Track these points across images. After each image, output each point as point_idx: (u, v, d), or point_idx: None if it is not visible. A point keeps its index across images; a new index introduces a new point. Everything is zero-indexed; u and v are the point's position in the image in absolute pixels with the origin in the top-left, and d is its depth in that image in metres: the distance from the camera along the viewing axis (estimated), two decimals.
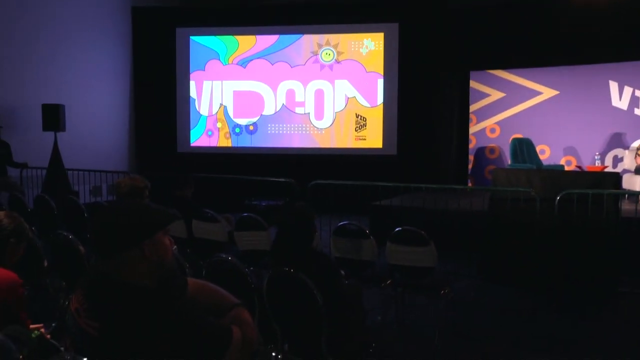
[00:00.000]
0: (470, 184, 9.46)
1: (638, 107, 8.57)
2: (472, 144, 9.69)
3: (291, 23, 9.84)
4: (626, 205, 5.89)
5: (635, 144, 7.89)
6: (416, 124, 9.32)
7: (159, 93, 10.06)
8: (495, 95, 9.51)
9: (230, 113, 10.18)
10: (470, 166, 9.67)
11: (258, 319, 2.64)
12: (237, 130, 10.17)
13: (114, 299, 1.50)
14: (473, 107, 9.66)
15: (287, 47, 9.96)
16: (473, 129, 9.68)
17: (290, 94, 10.01)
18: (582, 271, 4.86)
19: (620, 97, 8.68)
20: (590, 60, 8.64)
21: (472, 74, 9.65)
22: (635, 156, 7.48)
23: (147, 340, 1.44)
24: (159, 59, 10.03)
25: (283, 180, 6.56)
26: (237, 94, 10.15)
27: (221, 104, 10.18)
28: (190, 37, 10.19)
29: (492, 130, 9.54)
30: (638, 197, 6.87)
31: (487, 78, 9.57)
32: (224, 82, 10.15)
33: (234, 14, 9.84)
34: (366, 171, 7.74)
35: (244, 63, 10.09)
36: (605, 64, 8.65)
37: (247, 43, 10.07)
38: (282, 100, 10.02)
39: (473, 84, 9.67)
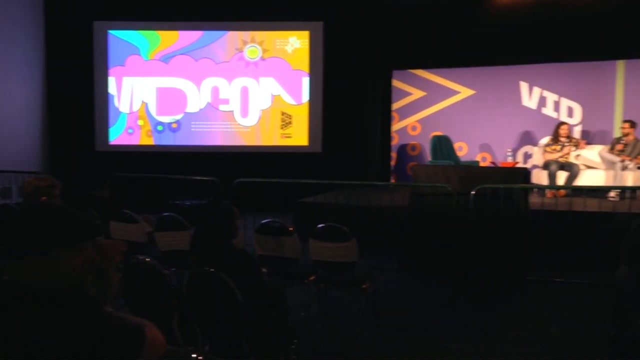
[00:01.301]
0: (392, 180, 9.74)
1: (546, 107, 9.14)
2: (395, 142, 9.97)
3: (215, 19, 9.70)
4: (534, 199, 6.28)
5: (543, 141, 8.40)
6: (341, 122, 9.46)
7: (75, 89, 9.60)
8: (417, 94, 9.83)
9: (152, 110, 9.89)
10: (393, 163, 9.94)
11: (178, 321, 2.60)
12: (160, 128, 9.90)
13: (18, 305, 1.43)
14: (395, 106, 9.94)
15: (211, 43, 9.81)
16: (395, 126, 9.96)
17: (215, 91, 9.87)
18: (495, 261, 5.13)
19: (530, 97, 9.22)
20: (503, 61, 9.12)
21: (395, 73, 9.92)
22: (544, 152, 7.98)
23: (49, 349, 1.39)
24: (75, 53, 9.57)
25: (207, 178, 6.47)
26: (159, 91, 9.88)
27: (142, 101, 9.87)
28: (109, 31, 9.80)
29: (414, 128, 9.86)
30: (545, 191, 7.38)
31: (409, 77, 9.87)
32: (145, 78, 9.85)
33: (156, 8, 9.57)
34: (292, 169, 7.76)
35: (166, 59, 9.84)
36: (517, 66, 9.16)
37: (170, 38, 9.83)
38: (206, 97, 9.86)
39: (395, 82, 9.94)
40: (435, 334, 4.01)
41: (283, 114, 9.84)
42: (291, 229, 4.00)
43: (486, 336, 3.95)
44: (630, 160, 7.42)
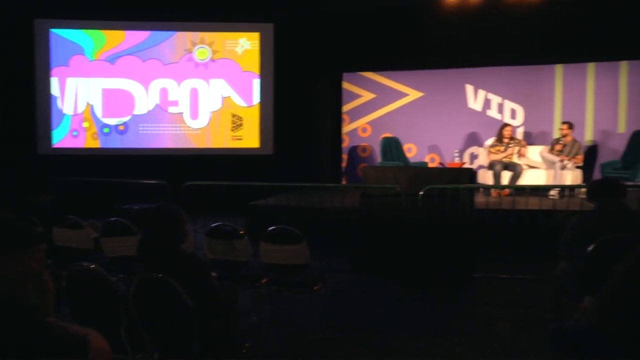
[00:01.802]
0: (343, 182, 9.82)
1: (490, 109, 9.44)
2: (346, 143, 10.06)
3: (163, 19, 9.52)
4: (480, 198, 6.47)
5: (488, 142, 8.68)
6: (292, 124, 9.47)
7: (15, 90, 9.21)
8: (367, 96, 9.95)
9: (98, 112, 9.62)
10: (344, 164, 10.03)
11: (126, 328, 2.54)
12: (106, 130, 9.63)
13: None
14: (346, 108, 10.04)
15: (159, 43, 9.63)
16: (346, 128, 10.05)
17: (164, 92, 9.69)
18: (443, 260, 5.26)
19: (475, 100, 9.50)
20: (450, 65, 9.36)
21: (345, 75, 10.01)
22: (488, 153, 8.24)
23: None
24: (15, 52, 9.18)
25: (155, 182, 6.35)
26: (105, 92, 9.61)
27: (87, 103, 9.58)
28: (51, 29, 9.46)
29: (364, 130, 9.98)
30: (490, 190, 7.63)
31: (358, 80, 9.99)
32: (90, 79, 9.56)
33: (101, 7, 9.30)
34: (243, 171, 7.74)
35: (112, 59, 9.58)
36: (463, 69, 9.42)
37: (116, 38, 9.58)
38: (154, 99, 9.66)
39: (346, 85, 10.04)
40: (386, 333, 4.07)
41: (234, 115, 9.76)
42: (242, 232, 3.98)
43: (435, 333, 4.04)
44: (569, 160, 7.77)
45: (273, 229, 3.92)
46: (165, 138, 9.68)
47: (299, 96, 9.52)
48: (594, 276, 2.73)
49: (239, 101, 9.76)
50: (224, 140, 9.77)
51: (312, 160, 9.57)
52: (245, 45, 9.73)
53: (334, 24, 9.30)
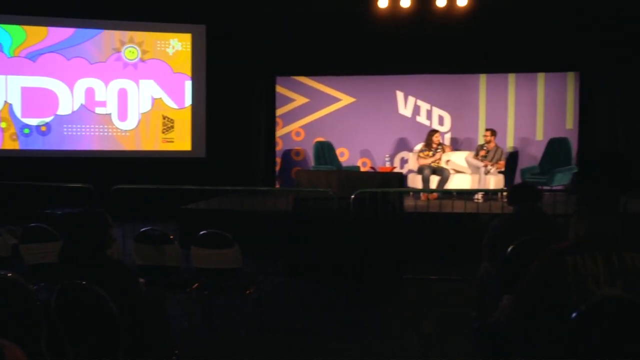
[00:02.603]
0: (277, 185, 9.83)
1: (419, 115, 9.75)
2: (279, 147, 10.07)
3: (90, 16, 9.16)
4: (410, 202, 6.67)
5: (417, 147, 8.96)
6: (225, 127, 9.37)
7: None
8: (300, 100, 10.01)
9: (18, 112, 9.11)
10: (277, 168, 10.03)
11: (46, 339, 2.43)
12: (26, 131, 9.14)
13: None
14: (279, 111, 10.05)
15: (85, 42, 9.26)
16: (280, 132, 10.06)
17: (90, 92, 9.32)
18: (374, 262, 5.38)
19: (405, 106, 9.79)
20: (381, 71, 9.59)
21: (278, 79, 10.02)
22: (417, 158, 8.51)
23: None
24: None
25: (80, 185, 6.10)
26: (25, 91, 9.12)
27: (5, 102, 9.05)
28: None
29: (298, 134, 10.03)
30: (419, 194, 7.88)
31: (292, 84, 10.03)
32: (8, 76, 9.04)
33: (21, 1, 8.83)
34: (174, 174, 7.55)
35: (33, 56, 9.11)
36: (393, 76, 9.68)
37: (37, 35, 9.12)
38: (80, 99, 9.28)
39: (279, 88, 10.05)
40: (319, 335, 4.12)
41: (164, 117, 9.54)
42: (172, 236, 3.90)
43: (367, 334, 4.13)
44: (492, 165, 8.16)
45: (204, 233, 3.87)
46: (91, 140, 9.31)
47: (232, 99, 9.44)
48: (512, 276, 2.88)
49: (170, 103, 9.54)
50: (154, 142, 9.52)
51: (245, 164, 9.51)
52: (176, 46, 9.54)
53: (267, 27, 9.30)
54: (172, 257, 3.89)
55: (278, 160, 10.06)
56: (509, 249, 3.28)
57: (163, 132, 9.52)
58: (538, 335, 2.42)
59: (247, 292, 3.92)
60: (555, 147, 8.98)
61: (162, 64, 9.50)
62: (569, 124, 9.42)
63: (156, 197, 6.11)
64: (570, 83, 9.42)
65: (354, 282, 5.26)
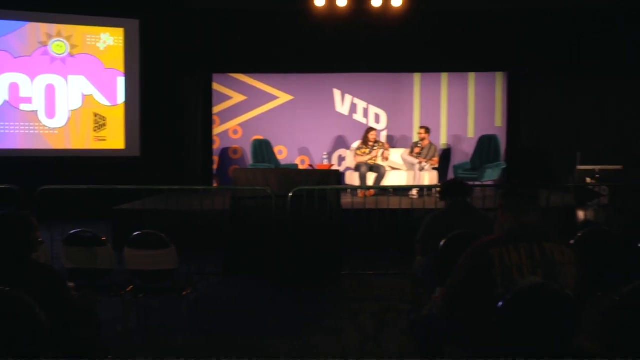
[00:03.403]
0: (215, 184, 9.70)
1: (356, 113, 9.89)
2: (217, 145, 9.94)
3: (13, 7, 8.69)
4: (348, 199, 6.76)
5: (354, 145, 9.09)
6: (160, 125, 9.16)
7: None
8: (237, 98, 9.91)
9: None
10: (215, 166, 9.90)
11: None
12: None
13: None
14: (216, 109, 9.91)
15: (7, 34, 8.77)
16: (217, 130, 9.93)
17: (14, 88, 8.85)
18: (312, 259, 5.42)
19: (342, 104, 9.90)
20: (318, 69, 9.65)
21: (215, 76, 9.88)
22: (355, 155, 8.63)
23: None
24: None
25: (3, 186, 5.78)
26: None
27: None
28: None
29: (235, 132, 9.93)
30: (357, 191, 8.00)
31: (229, 81, 9.91)
32: None
33: None
34: (108, 174, 7.30)
35: None
36: (330, 74, 9.76)
37: None
38: (3, 95, 8.78)
39: (216, 86, 9.92)
40: (257, 334, 4.11)
41: (96, 115, 9.19)
42: (104, 238, 3.78)
43: (305, 331, 4.16)
44: (426, 162, 8.40)
45: (138, 234, 3.77)
46: (16, 138, 8.84)
47: (168, 96, 9.23)
48: (445, 269, 2.98)
49: (101, 100, 9.21)
50: (85, 141, 9.16)
51: (182, 162, 9.33)
52: (108, 41, 9.21)
53: (203, 23, 9.16)
54: (104, 260, 3.77)
55: (215, 158, 9.93)
56: (441, 243, 3.40)
57: (94, 130, 9.18)
58: (468, 326, 2.52)
59: (184, 293, 3.86)
60: (485, 144, 9.37)
61: (93, 59, 9.15)
62: (498, 122, 9.84)
63: (87, 197, 5.88)
64: (498, 82, 9.85)
65: (292, 279, 5.28)
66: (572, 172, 7.30)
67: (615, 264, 3.46)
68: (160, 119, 9.15)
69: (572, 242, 3.49)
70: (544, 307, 2.25)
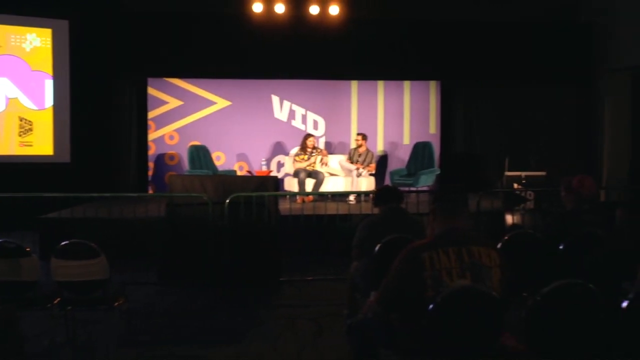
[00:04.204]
0: (150, 191, 9.44)
1: (295, 120, 9.92)
2: (152, 151, 9.68)
3: None
4: (286, 205, 6.76)
5: (293, 151, 9.12)
6: (91, 130, 8.83)
7: None
8: (174, 103, 9.71)
9: None
10: (150, 173, 9.64)
11: None
12: None
13: None
14: (152, 114, 9.66)
15: None
16: (152, 135, 9.68)
17: None
18: (251, 266, 5.39)
19: (281, 110, 9.90)
20: (257, 75, 9.60)
21: (150, 80, 9.64)
22: (293, 161, 8.65)
23: None
24: None
25: None
26: None
27: None
28: None
29: (171, 137, 9.72)
30: (295, 197, 8.02)
31: (165, 85, 9.69)
32: None
33: None
34: (35, 181, 6.94)
35: None
36: (269, 80, 9.74)
37: None
38: None
39: (151, 90, 9.67)
40: (195, 344, 4.04)
41: (22, 119, 8.74)
42: (28, 249, 3.60)
43: (243, 339, 4.13)
44: (364, 168, 8.54)
45: (66, 243, 3.62)
46: None
47: (100, 100, 8.91)
48: (380, 273, 3.05)
49: (27, 103, 8.77)
50: (9, 146, 8.68)
51: (115, 169, 9.02)
52: (34, 41, 8.79)
53: (137, 26, 8.90)
54: (29, 271, 3.59)
55: (151, 165, 9.67)
56: (376, 248, 3.47)
57: (20, 135, 8.72)
58: (402, 329, 2.59)
59: (116, 304, 3.74)
60: (420, 151, 9.64)
61: (18, 60, 8.70)
62: (432, 129, 10.15)
63: (11, 206, 5.58)
64: (432, 91, 10.16)
65: (230, 287, 5.23)
66: (500, 178, 7.62)
67: (539, 266, 3.64)
68: (91, 124, 8.81)
69: (499, 245, 3.65)
70: (472, 309, 2.35)
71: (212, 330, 4.34)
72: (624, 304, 2.44)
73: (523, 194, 6.92)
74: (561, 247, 3.57)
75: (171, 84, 9.69)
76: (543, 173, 7.50)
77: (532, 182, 7.10)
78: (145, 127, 9.59)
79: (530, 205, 6.86)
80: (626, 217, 2.77)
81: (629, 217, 2.76)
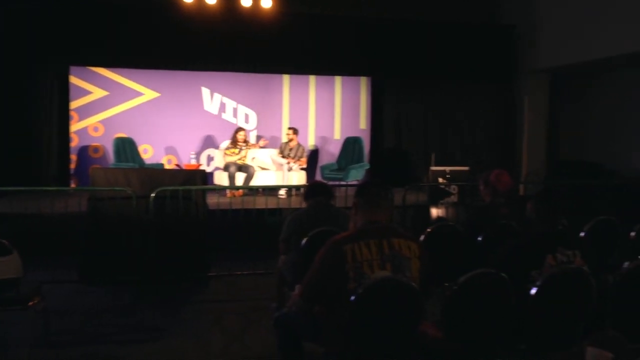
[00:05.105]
0: (73, 185, 9.03)
1: (225, 112, 9.78)
2: (75, 143, 9.24)
3: None
4: (215, 199, 6.66)
5: (223, 145, 8.99)
6: (8, 120, 8.32)
7: None
8: (98, 93, 9.31)
9: None
10: (73, 166, 9.20)
11: None
12: None
13: None
14: (74, 104, 9.22)
15: None
16: (75, 127, 9.23)
17: None
18: (178, 261, 5.28)
19: (211, 102, 9.73)
20: (186, 66, 9.36)
21: (73, 69, 9.18)
22: (224, 155, 8.53)
23: None
24: None
25: None
26: None
27: None
28: None
29: (96, 129, 9.32)
30: (227, 191, 7.93)
31: (89, 75, 9.27)
32: None
33: None
34: None
35: None
36: (199, 72, 9.54)
37: None
38: None
39: (74, 79, 9.22)
40: (116, 343, 3.93)
41: None
42: None
43: (168, 336, 4.05)
44: (295, 162, 8.56)
45: None
46: None
47: (16, 88, 8.40)
48: (305, 266, 3.07)
49: None
50: None
51: (34, 161, 8.53)
52: None
53: (59, 11, 8.43)
54: None
55: (73, 157, 9.23)
56: (303, 242, 3.49)
57: None
58: (326, 321, 2.62)
59: (30, 303, 3.55)
60: (351, 146, 9.78)
61: None
62: (363, 125, 10.31)
63: None
64: (363, 87, 10.32)
65: (156, 284, 5.10)
66: (426, 173, 7.87)
67: (460, 257, 3.80)
68: (7, 114, 8.30)
69: (423, 237, 3.78)
70: (392, 299, 2.41)
71: (135, 328, 4.23)
72: (533, 291, 2.60)
73: (447, 188, 7.19)
74: (480, 238, 3.74)
75: (95, 73, 9.29)
76: (466, 168, 7.81)
77: (456, 177, 7.38)
78: (67, 118, 9.14)
79: (454, 199, 7.14)
80: (535, 209, 2.93)
81: (537, 209, 2.92)
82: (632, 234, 4.02)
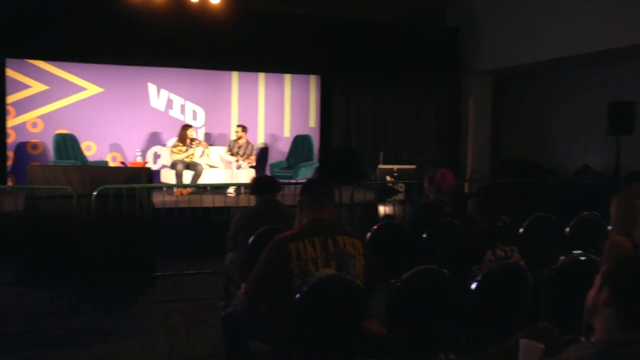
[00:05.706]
0: (10, 183, 8.62)
1: (172, 109, 9.58)
2: (11, 139, 8.82)
3: None
4: (162, 197, 6.53)
5: (170, 142, 8.80)
6: None
7: None
8: (37, 87, 8.93)
9: None
10: (9, 163, 8.79)
11: None
12: None
13: None
14: (11, 99, 8.80)
15: None
16: (12, 122, 8.82)
17: None
18: (122, 261, 5.14)
19: (158, 99, 9.51)
20: (132, 62, 9.10)
21: (9, 61, 8.76)
22: (171, 153, 8.36)
23: None
24: None
25: None
26: None
27: None
28: None
29: (35, 125, 8.94)
30: (174, 189, 7.79)
31: (27, 68, 8.87)
32: None
33: None
34: None
35: None
36: (145, 67, 9.30)
37: None
38: None
39: (10, 72, 8.80)
40: (55, 347, 3.79)
41: None
42: None
43: (112, 338, 3.95)
44: (244, 160, 8.49)
45: None
46: None
47: None
48: (252, 265, 3.06)
49: None
50: None
51: None
52: None
53: None
54: None
55: (10, 154, 8.81)
56: (250, 240, 3.48)
57: None
58: (271, 319, 2.62)
59: None
60: (300, 144, 9.79)
61: None
62: (312, 123, 10.33)
63: None
64: (312, 85, 10.34)
65: (100, 285, 4.95)
66: (374, 171, 7.97)
67: (405, 253, 3.87)
68: None
69: (370, 234, 3.83)
70: (337, 297, 2.44)
71: (76, 331, 4.10)
72: (473, 286, 2.68)
73: (395, 187, 7.30)
74: (424, 235, 3.83)
75: (35, 66, 8.90)
76: (413, 166, 7.96)
77: (403, 175, 7.51)
78: (3, 113, 8.71)
79: (401, 196, 7.26)
80: (475, 206, 3.02)
81: (478, 206, 3.02)
82: (567, 230, 4.20)
